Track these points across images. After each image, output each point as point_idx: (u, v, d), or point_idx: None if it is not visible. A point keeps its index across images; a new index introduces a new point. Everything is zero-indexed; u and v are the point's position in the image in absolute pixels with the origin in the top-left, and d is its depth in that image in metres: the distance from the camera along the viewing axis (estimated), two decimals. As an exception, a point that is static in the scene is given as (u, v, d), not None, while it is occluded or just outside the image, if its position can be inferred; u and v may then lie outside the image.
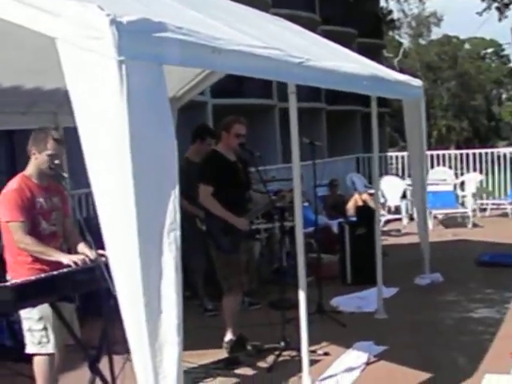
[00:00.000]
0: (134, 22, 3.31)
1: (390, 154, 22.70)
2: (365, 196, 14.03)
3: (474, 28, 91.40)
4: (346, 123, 31.15)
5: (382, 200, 14.86)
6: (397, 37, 59.76)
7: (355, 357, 6.24)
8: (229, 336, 6.54)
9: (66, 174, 4.84)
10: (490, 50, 66.98)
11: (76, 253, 4.85)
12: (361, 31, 30.78)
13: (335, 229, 10.85)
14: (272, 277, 9.16)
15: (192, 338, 7.19)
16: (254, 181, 7.72)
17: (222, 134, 6.54)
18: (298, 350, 5.88)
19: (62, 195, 5.04)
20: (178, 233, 3.44)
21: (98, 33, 3.18)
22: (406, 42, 60.62)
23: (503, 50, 64.91)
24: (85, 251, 4.79)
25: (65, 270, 4.50)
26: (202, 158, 6.91)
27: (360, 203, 13.50)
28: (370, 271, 9.06)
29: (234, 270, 6.39)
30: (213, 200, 6.35)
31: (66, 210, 5.12)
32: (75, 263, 4.57)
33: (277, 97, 24.06)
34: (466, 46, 65.73)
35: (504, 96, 71.24)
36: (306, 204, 10.60)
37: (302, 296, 5.67)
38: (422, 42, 62.74)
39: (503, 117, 65.31)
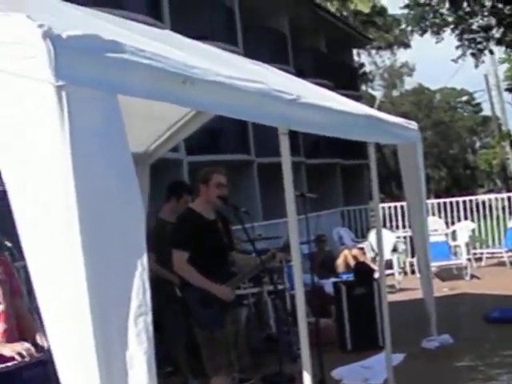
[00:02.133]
0: (78, 38, 2.47)
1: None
2: (355, 251, 13.25)
3: (445, 78, 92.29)
4: (326, 176, 30.49)
5: (372, 254, 14.04)
6: (369, 90, 59.69)
7: None
8: (219, 424, 5.56)
9: (8, 243, 3.81)
10: (463, 99, 67.17)
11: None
12: (336, 83, 30.26)
13: (327, 289, 9.98)
14: (263, 346, 8.20)
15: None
16: (236, 240, 6.88)
17: (200, 188, 5.66)
18: None
19: (5, 266, 4.04)
20: (150, 318, 2.54)
21: (27, 49, 2.32)
22: (379, 94, 60.56)
23: (474, 99, 65.10)
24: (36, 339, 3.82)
25: (8, 364, 3.52)
26: (176, 218, 6.01)
27: (350, 259, 12.72)
28: (372, 335, 8.24)
29: (220, 348, 5.43)
30: (189, 268, 5.43)
31: (14, 286, 4.12)
32: (21, 355, 3.58)
33: (254, 152, 23.37)
34: (438, 96, 65.89)
35: (478, 144, 71.30)
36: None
37: (307, 376, 4.72)
38: (396, 93, 62.73)
39: (478, 165, 65.14)
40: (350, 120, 5.37)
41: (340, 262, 12.79)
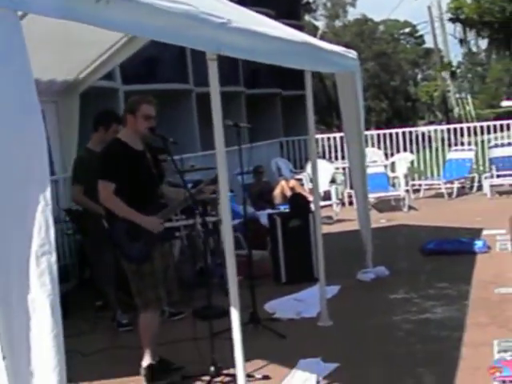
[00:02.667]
0: None
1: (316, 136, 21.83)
2: (292, 182, 13.10)
3: (388, 10, 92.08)
4: (266, 107, 30.23)
5: (310, 185, 13.92)
6: (312, 20, 59.16)
7: (301, 380, 5.18)
8: (147, 360, 5.40)
9: None
10: (406, 30, 67.16)
11: None
12: (278, 12, 29.77)
13: (263, 220, 9.83)
14: (196, 279, 8.05)
15: (103, 363, 6.15)
16: (168, 172, 6.65)
17: (128, 118, 5.38)
18: (233, 375, 4.86)
19: None
20: (54, 258, 2.33)
21: None
22: (321, 24, 60.11)
23: (417, 31, 65.17)
24: None
25: None
26: (102, 148, 5.73)
27: (287, 190, 12.58)
28: (306, 268, 8.15)
29: (148, 282, 5.25)
30: (115, 198, 5.19)
31: None
32: None
33: (193, 81, 22.94)
34: (381, 27, 65.73)
35: (419, 76, 71.68)
36: (230, 194, 9.56)
37: (234, 312, 4.58)
38: (339, 23, 62.35)
39: (420, 97, 65.56)
40: (284, 46, 5.15)
41: (277, 193, 12.65)
